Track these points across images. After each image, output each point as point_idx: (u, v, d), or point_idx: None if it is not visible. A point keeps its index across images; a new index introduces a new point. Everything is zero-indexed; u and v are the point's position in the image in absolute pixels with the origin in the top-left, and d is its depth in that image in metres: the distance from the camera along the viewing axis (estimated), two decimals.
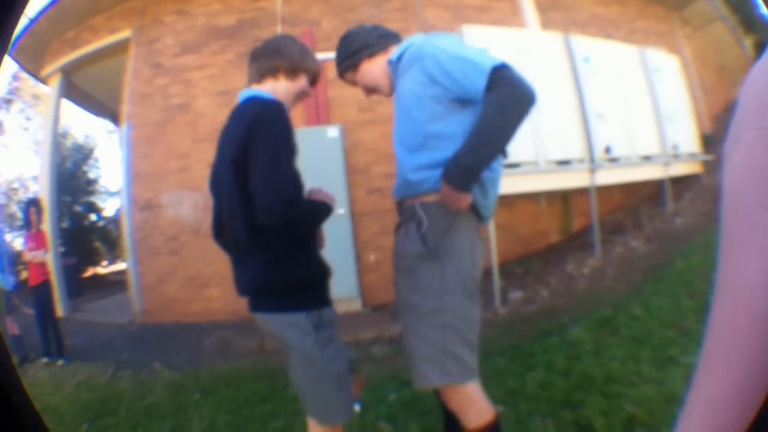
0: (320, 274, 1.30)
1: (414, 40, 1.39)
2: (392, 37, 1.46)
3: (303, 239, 1.29)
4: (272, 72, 1.35)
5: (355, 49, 1.43)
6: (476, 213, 1.32)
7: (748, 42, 7.00)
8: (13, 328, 4.45)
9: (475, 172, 1.19)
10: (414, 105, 1.30)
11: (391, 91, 1.45)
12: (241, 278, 1.30)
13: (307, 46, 1.42)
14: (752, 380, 0.32)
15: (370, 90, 1.50)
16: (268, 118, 1.22)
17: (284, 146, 1.20)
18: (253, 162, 1.19)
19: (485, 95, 1.17)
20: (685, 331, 2.68)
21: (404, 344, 1.35)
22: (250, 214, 1.20)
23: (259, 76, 1.36)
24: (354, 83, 1.50)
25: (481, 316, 1.31)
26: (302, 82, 1.37)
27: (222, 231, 1.38)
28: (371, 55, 1.43)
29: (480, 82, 1.16)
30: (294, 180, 1.20)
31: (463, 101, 1.25)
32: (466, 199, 1.22)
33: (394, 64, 1.41)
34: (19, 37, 5.90)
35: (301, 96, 1.40)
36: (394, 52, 1.42)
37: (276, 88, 1.35)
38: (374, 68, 1.44)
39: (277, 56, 1.35)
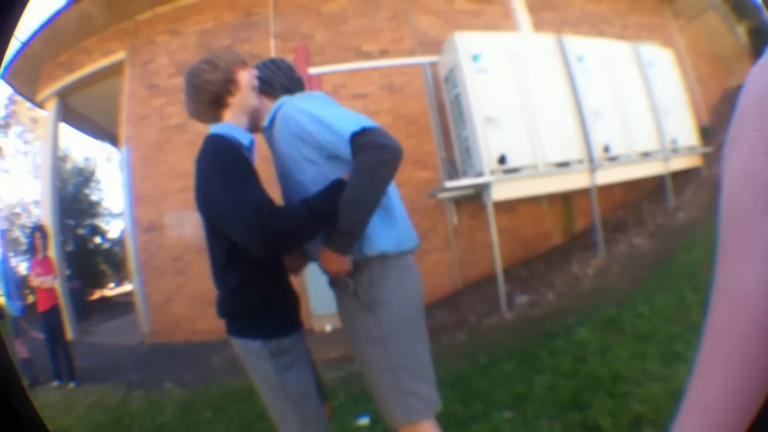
0: (282, 303, 1.33)
1: (282, 104, 1.37)
2: (291, 91, 1.43)
3: (269, 268, 1.31)
4: (217, 106, 1.31)
5: (261, 76, 1.41)
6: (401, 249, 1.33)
7: (741, 29, 6.98)
8: (22, 351, 4.47)
9: (354, 236, 1.23)
10: (294, 168, 1.32)
11: (250, 124, 1.43)
12: (216, 302, 1.35)
13: (213, 54, 1.37)
14: (749, 386, 0.32)
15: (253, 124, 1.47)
16: (203, 159, 1.25)
17: (225, 173, 1.20)
18: (213, 208, 1.23)
19: (353, 159, 1.20)
20: (690, 325, 2.70)
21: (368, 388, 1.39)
22: (221, 249, 1.26)
23: (213, 118, 1.33)
24: None
25: (428, 347, 1.34)
26: (243, 82, 1.33)
27: None
28: (265, 93, 1.42)
29: (345, 149, 1.20)
30: (247, 196, 1.17)
31: (336, 156, 1.27)
32: (346, 263, 1.26)
33: (267, 130, 1.40)
34: (12, 60, 5.92)
35: (254, 88, 1.37)
36: (267, 117, 1.39)
37: (234, 113, 1.32)
38: (254, 101, 1.40)
39: (203, 93, 1.30)
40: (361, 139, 1.18)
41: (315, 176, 1.29)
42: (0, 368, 0.72)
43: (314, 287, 4.04)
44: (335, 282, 1.39)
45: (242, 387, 3.50)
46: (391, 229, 1.31)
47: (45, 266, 4.38)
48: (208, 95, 1.30)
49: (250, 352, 1.28)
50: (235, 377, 3.77)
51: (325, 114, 1.25)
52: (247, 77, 1.33)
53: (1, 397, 0.69)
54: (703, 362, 0.36)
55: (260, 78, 1.40)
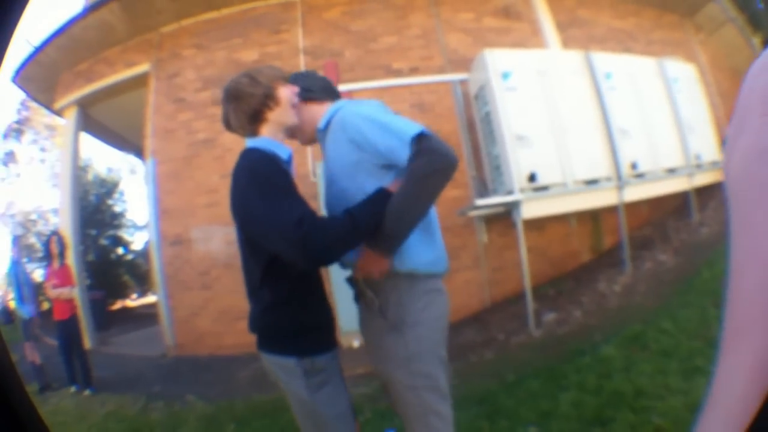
0: (318, 321, 1.31)
1: (339, 107, 1.38)
2: (332, 94, 1.45)
3: (306, 285, 1.29)
4: (255, 120, 1.28)
5: (300, 85, 1.41)
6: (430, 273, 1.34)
7: (756, 40, 7.00)
8: (33, 356, 4.44)
9: (400, 239, 1.24)
10: (342, 175, 1.31)
11: (310, 141, 1.47)
12: (249, 317, 1.34)
13: (254, 69, 1.33)
14: None
15: (291, 132, 1.45)
16: (241, 173, 1.22)
17: (264, 187, 1.18)
18: (252, 222, 1.20)
19: (408, 163, 1.21)
20: (710, 340, 2.75)
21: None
22: (258, 264, 1.24)
23: (251, 132, 1.30)
24: None
25: (450, 369, 1.35)
26: (283, 98, 1.30)
27: None
28: (308, 99, 1.41)
29: (404, 153, 1.21)
30: (288, 210, 1.14)
31: (389, 166, 1.28)
32: (386, 264, 1.26)
33: (322, 132, 1.40)
34: (23, 64, 5.91)
35: (294, 105, 1.34)
36: (321, 119, 1.40)
37: (271, 128, 1.30)
38: (305, 113, 1.41)
39: (242, 106, 1.28)
40: (420, 143, 1.19)
41: (361, 185, 1.28)
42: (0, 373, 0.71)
43: (343, 303, 4.04)
44: (361, 297, 1.39)
45: (267, 402, 3.49)
46: (427, 249, 1.32)
47: (62, 276, 4.28)
48: (247, 108, 1.27)
49: (282, 369, 1.25)
50: (261, 392, 3.76)
51: (386, 119, 1.26)
52: (287, 94, 1.31)
53: (1, 402, 0.68)
54: (734, 330, 0.36)
55: (300, 86, 1.39)
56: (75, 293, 4.49)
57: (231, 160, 1.27)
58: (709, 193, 5.19)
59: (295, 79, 1.42)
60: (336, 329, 1.39)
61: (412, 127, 1.22)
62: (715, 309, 3.20)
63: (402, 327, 1.27)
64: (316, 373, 1.23)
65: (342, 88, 4.10)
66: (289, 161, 1.31)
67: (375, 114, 1.28)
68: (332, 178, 1.35)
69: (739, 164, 0.36)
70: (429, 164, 1.18)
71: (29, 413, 0.72)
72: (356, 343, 4.23)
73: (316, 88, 1.42)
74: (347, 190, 1.30)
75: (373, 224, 1.21)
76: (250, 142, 1.30)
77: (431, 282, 1.32)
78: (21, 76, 6.12)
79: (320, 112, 1.41)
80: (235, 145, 1.32)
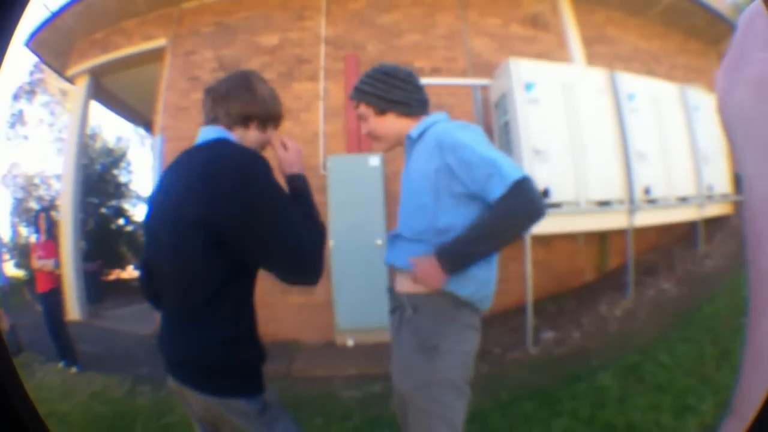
0: (263, 355, 1.16)
1: (437, 120, 1.38)
2: (424, 107, 1.43)
3: (251, 317, 1.14)
4: (244, 121, 1.17)
5: (394, 98, 1.38)
6: (473, 306, 1.33)
7: None
8: (3, 322, 4.43)
9: (466, 261, 1.24)
10: (425, 191, 1.30)
11: (390, 148, 1.46)
12: (175, 346, 1.13)
13: (273, 89, 1.25)
14: None
15: (374, 136, 1.46)
16: (257, 178, 1.05)
17: (285, 204, 1.08)
18: (258, 236, 1.03)
19: (500, 197, 1.20)
20: (704, 378, 2.74)
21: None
22: (210, 282, 1.04)
23: (230, 122, 1.16)
24: (362, 117, 1.43)
25: (468, 403, 1.32)
26: (269, 131, 1.23)
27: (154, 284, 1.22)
28: (402, 114, 1.39)
29: (499, 190, 1.20)
30: (309, 235, 1.09)
31: (474, 196, 1.27)
32: (441, 280, 1.24)
33: (412, 140, 1.39)
34: (38, 29, 5.82)
35: (264, 146, 1.24)
36: (415, 128, 1.38)
37: (244, 139, 1.18)
38: (395, 126, 1.41)
39: (251, 103, 1.17)
40: (522, 186, 1.19)
41: (442, 207, 1.29)
42: None
43: (342, 299, 3.99)
44: (398, 311, 1.37)
45: None
46: (485, 276, 1.31)
47: (47, 249, 4.29)
48: (252, 105, 1.18)
49: (235, 412, 1.07)
50: None
51: (492, 153, 1.25)
52: (268, 136, 1.24)
53: None
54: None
55: (399, 98, 1.37)
56: (54, 267, 4.38)
57: None
58: (717, 224, 5.17)
59: (396, 79, 1.37)
60: None
61: (516, 169, 1.23)
62: (713, 347, 3.19)
63: (434, 352, 1.27)
64: (268, 410, 1.11)
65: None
66: None
67: (481, 142, 1.28)
68: (414, 190, 1.34)
69: (747, 93, 0.38)
70: (521, 207, 1.20)
71: (15, 386, 0.69)
72: (350, 342, 4.18)
73: (416, 103, 1.40)
74: (428, 207, 1.30)
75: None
76: (225, 133, 1.15)
77: (474, 318, 1.32)
78: (35, 41, 6.03)
79: (412, 125, 1.40)
80: None
